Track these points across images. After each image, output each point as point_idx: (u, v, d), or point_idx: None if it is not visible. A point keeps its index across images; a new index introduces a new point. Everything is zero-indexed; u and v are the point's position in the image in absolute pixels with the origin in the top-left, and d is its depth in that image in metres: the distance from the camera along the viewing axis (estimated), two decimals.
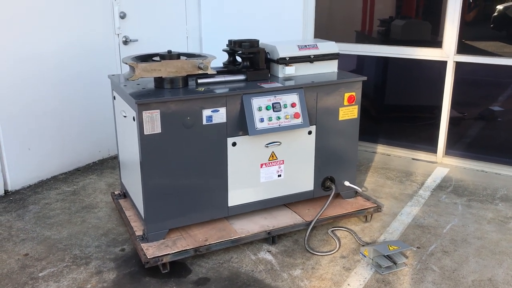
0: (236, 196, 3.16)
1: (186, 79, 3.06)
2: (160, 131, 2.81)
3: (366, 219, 3.49)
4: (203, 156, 2.98)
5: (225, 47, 3.45)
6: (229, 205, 3.16)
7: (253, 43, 3.27)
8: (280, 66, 3.32)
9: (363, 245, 3.17)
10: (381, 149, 4.96)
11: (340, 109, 3.33)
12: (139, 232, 3.08)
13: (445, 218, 3.56)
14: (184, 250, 2.90)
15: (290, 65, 3.31)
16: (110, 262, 3.02)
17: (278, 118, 3.07)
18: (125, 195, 3.60)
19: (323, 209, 3.29)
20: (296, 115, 3.10)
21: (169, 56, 2.98)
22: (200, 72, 2.99)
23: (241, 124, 3.02)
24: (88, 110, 4.51)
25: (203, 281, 2.82)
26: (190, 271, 2.91)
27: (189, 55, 3.16)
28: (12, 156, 3.98)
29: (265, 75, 3.28)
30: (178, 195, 2.98)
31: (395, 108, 5.07)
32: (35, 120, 4.10)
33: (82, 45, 4.36)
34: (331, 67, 3.49)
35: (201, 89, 2.99)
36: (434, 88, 4.56)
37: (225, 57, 3.48)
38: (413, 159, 4.74)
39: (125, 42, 4.68)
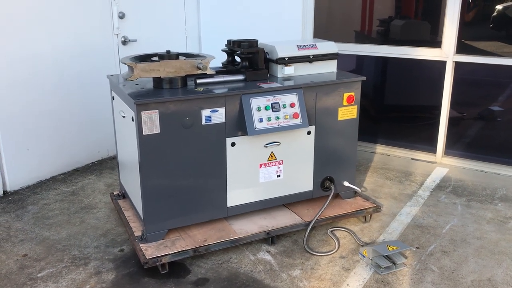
0: (235, 197, 3.15)
1: (185, 79, 3.05)
2: (159, 131, 2.81)
3: (365, 219, 3.49)
4: (202, 156, 2.97)
5: (224, 47, 3.45)
6: (228, 205, 3.15)
7: (252, 43, 3.26)
8: (279, 66, 3.31)
9: (362, 246, 3.16)
10: (380, 149, 4.96)
11: (339, 109, 3.33)
12: (138, 233, 3.08)
13: (445, 218, 3.55)
14: (183, 250, 2.89)
15: (289, 65, 3.30)
16: (109, 262, 3.01)
17: (277, 118, 3.06)
18: (124, 195, 3.59)
19: (322, 209, 3.29)
20: (295, 115, 3.10)
21: (168, 56, 2.97)
22: (199, 72, 2.99)
23: (240, 124, 3.02)
24: (87, 110, 4.51)
25: (202, 282, 2.81)
26: (189, 272, 2.91)
27: (188, 55, 3.16)
28: (10, 156, 3.97)
29: (264, 75, 3.27)
30: (177, 196, 2.97)
31: (395, 108, 5.07)
32: (34, 120, 4.10)
33: (81, 45, 4.36)
34: (330, 67, 3.49)
35: (200, 89, 2.99)
36: (433, 88, 4.56)
37: (224, 57, 3.48)
38: (413, 159, 4.73)
39: (124, 42, 4.68)
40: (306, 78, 3.28)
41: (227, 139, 3.02)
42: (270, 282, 2.80)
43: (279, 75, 3.34)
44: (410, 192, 4.01)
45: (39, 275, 2.89)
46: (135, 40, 4.75)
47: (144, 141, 2.79)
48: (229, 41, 3.40)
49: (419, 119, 4.86)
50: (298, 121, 3.12)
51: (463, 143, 4.60)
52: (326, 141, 3.35)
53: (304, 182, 3.37)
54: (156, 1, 4.90)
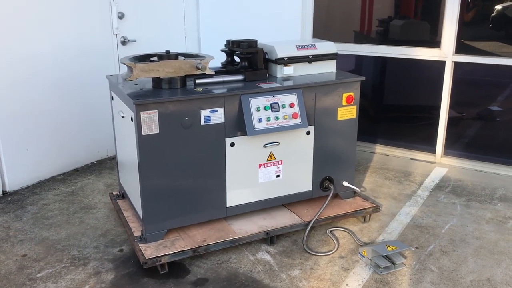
0: (235, 197, 3.15)
1: (184, 79, 3.05)
2: (158, 132, 2.81)
3: (364, 219, 3.49)
4: (202, 156, 2.98)
5: (223, 47, 3.45)
6: (228, 205, 3.15)
7: (251, 43, 3.26)
8: (279, 66, 3.31)
9: (361, 246, 3.17)
10: (379, 149, 4.96)
11: (339, 109, 3.33)
12: (137, 233, 3.08)
13: (444, 218, 3.56)
14: (183, 250, 2.89)
15: (289, 65, 3.30)
16: (108, 262, 3.01)
17: (277, 118, 3.06)
18: (123, 195, 3.59)
19: (322, 209, 3.29)
20: (294, 115, 3.10)
21: (167, 56, 2.97)
22: (198, 72, 2.99)
23: (239, 124, 3.02)
24: (86, 111, 4.51)
25: (202, 282, 2.81)
26: (188, 272, 2.91)
27: (187, 55, 3.16)
28: (10, 156, 3.97)
29: (263, 75, 3.27)
30: (177, 196, 2.97)
31: (394, 108, 5.07)
32: (33, 120, 4.10)
33: (80, 45, 4.36)
34: (329, 67, 3.49)
35: (199, 89, 2.99)
36: (432, 88, 4.56)
37: (223, 57, 3.48)
38: (412, 159, 4.74)
39: (123, 43, 4.68)
40: (305, 78, 3.29)
41: (226, 139, 3.02)
42: (269, 282, 2.80)
43: (278, 75, 3.34)
44: (409, 192, 4.01)
45: (38, 275, 2.89)
46: (135, 40, 4.75)
47: (143, 141, 2.79)
48: (228, 41, 3.40)
49: (418, 119, 4.87)
50: (297, 121, 3.12)
51: (462, 143, 4.60)
52: (325, 141, 3.35)
53: (304, 182, 3.37)
54: (155, 1, 4.90)
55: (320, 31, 4.97)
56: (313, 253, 3.09)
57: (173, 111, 2.82)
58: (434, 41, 4.47)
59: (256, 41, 3.31)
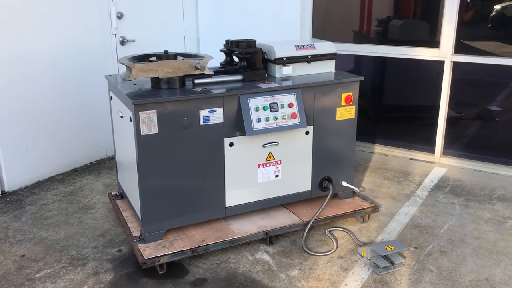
0: (234, 197, 3.15)
1: (183, 79, 3.05)
2: (157, 132, 2.81)
3: (363, 219, 3.49)
4: (200, 156, 2.97)
5: (222, 47, 3.45)
6: (227, 205, 3.15)
7: (250, 43, 3.26)
8: (278, 66, 3.31)
9: (360, 246, 3.17)
10: (378, 149, 4.96)
11: (338, 109, 3.33)
12: (136, 233, 3.08)
13: (443, 218, 3.56)
14: (182, 250, 2.89)
15: (288, 65, 3.30)
16: (107, 263, 3.01)
17: (275, 118, 3.06)
18: (122, 195, 3.59)
19: (321, 209, 3.29)
20: (293, 115, 3.10)
21: (166, 56, 2.97)
22: (197, 72, 2.99)
23: (238, 124, 3.02)
24: (85, 110, 4.51)
25: (201, 282, 2.81)
26: (187, 272, 2.91)
27: (186, 55, 3.16)
28: (9, 156, 3.96)
29: (262, 75, 3.27)
30: (175, 196, 2.97)
31: (393, 108, 5.07)
32: (32, 120, 4.09)
33: (79, 45, 4.35)
34: (328, 67, 3.49)
35: (198, 89, 2.98)
36: (431, 88, 4.56)
37: (222, 57, 3.47)
38: (411, 159, 4.74)
39: (122, 43, 4.67)
40: (304, 78, 3.28)
41: (225, 139, 3.02)
42: (268, 282, 2.80)
43: (277, 75, 3.33)
44: (409, 192, 4.01)
45: (37, 275, 2.89)
46: (133, 40, 4.75)
47: (142, 141, 2.79)
48: (227, 41, 3.40)
49: (417, 119, 4.87)
50: (296, 121, 3.12)
51: (462, 143, 4.60)
52: (324, 141, 3.35)
53: (303, 182, 3.37)
54: (154, 1, 4.90)
55: (319, 31, 4.96)
56: (312, 253, 3.09)
57: (172, 111, 2.81)
58: (433, 41, 4.47)
59: (255, 41, 3.30)
